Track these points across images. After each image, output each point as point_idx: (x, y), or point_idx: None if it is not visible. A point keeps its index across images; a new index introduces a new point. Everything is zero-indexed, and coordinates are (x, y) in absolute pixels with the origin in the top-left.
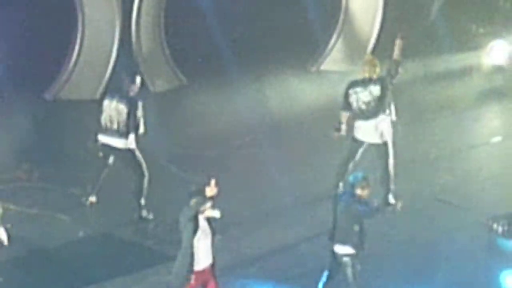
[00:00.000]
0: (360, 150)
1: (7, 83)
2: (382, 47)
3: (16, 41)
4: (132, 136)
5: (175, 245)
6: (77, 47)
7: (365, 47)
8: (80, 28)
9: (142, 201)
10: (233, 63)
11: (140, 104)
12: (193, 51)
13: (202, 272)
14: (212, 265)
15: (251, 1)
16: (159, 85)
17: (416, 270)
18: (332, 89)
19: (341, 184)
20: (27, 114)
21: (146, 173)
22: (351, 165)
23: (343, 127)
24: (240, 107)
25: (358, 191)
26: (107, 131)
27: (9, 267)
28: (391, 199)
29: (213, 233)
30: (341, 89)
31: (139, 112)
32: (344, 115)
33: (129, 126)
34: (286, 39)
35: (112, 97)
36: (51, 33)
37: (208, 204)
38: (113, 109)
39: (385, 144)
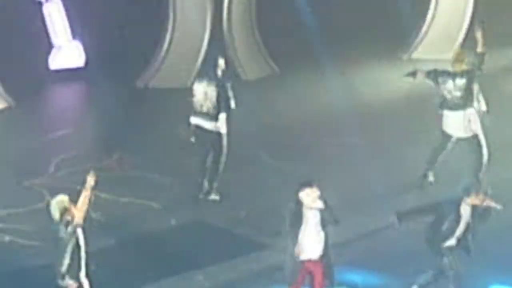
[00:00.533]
0: (450, 144)
1: (99, 71)
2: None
3: (109, 29)
4: (222, 118)
5: (266, 234)
6: (168, 35)
7: (457, 36)
8: (171, 17)
9: (215, 184)
10: (324, 52)
11: (228, 85)
12: (285, 40)
13: (308, 262)
14: (322, 257)
15: None
16: (251, 74)
17: None
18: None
19: (430, 173)
20: (119, 102)
21: (224, 159)
22: (441, 157)
23: (419, 74)
24: (331, 95)
25: (471, 199)
26: (198, 113)
27: (101, 256)
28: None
29: (324, 225)
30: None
31: (229, 93)
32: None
33: (219, 108)
34: (377, 28)
35: (202, 80)
36: (143, 21)
37: (314, 196)
38: (202, 92)
39: (475, 137)
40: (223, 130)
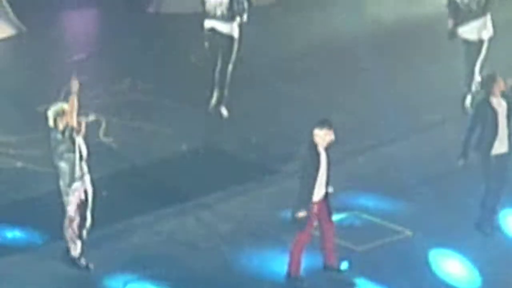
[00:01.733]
0: (477, 49)
1: None
2: None
3: None
4: (236, 21)
5: (278, 159)
6: None
7: None
8: None
9: (226, 92)
10: None
11: None
12: None
13: (318, 203)
14: (326, 196)
15: None
16: None
17: None
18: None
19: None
20: (131, 28)
21: (231, 68)
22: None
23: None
24: (343, 18)
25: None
26: (212, 17)
27: (112, 181)
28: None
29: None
30: None
31: None
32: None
33: (232, 11)
34: None
35: None
36: None
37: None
38: None
39: (481, 42)
40: (236, 34)
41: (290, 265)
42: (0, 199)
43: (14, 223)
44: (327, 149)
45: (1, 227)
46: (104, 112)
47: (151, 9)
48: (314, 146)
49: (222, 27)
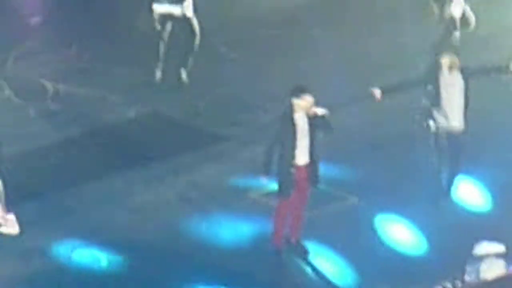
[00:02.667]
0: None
1: None
2: None
3: None
4: (189, 1)
5: (225, 125)
6: None
7: None
8: None
9: (183, 71)
10: None
11: None
12: None
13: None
14: (309, 165)
15: None
16: None
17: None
18: None
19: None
20: None
21: (197, 42)
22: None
23: None
24: None
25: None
26: (162, 0)
27: (60, 148)
28: None
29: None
30: None
31: None
32: None
33: None
34: None
35: None
36: None
37: (309, 102)
38: None
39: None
40: (190, 13)
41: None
42: None
43: None
44: (309, 116)
45: None
46: (51, 79)
47: None
48: (289, 114)
49: (174, 9)
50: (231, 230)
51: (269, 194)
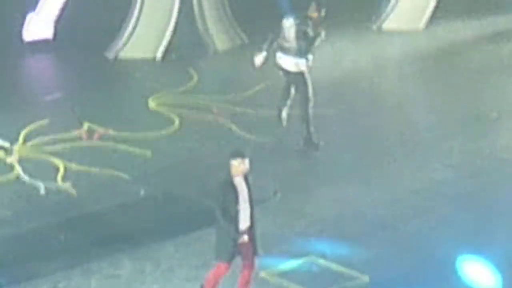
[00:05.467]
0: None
1: (69, 42)
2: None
3: (77, 1)
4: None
5: None
6: (138, 6)
7: (426, 6)
8: None
9: (312, 128)
10: None
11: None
12: (254, 10)
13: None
14: (250, 228)
15: None
16: (220, 44)
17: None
18: (392, 49)
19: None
20: (89, 73)
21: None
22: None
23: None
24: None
25: None
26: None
27: (70, 226)
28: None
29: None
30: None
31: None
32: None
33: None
34: None
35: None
36: None
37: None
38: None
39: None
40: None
41: None
42: None
43: None
44: (246, 178)
45: None
46: (62, 157)
47: (109, 54)
48: (229, 178)
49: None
50: None
51: (281, 273)
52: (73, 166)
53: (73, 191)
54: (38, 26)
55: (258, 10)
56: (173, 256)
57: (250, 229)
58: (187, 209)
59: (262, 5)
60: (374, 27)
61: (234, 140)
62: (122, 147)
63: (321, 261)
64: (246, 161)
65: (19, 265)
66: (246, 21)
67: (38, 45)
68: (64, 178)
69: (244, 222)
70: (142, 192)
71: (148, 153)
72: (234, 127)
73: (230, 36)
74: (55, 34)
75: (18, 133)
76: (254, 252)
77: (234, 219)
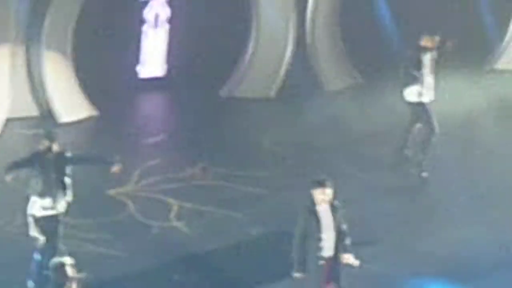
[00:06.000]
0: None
1: (183, 81)
2: None
3: (192, 38)
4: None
5: None
6: (252, 45)
7: None
8: (255, 26)
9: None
10: None
11: None
12: (369, 49)
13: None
14: (331, 258)
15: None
16: (334, 84)
17: None
18: (505, 89)
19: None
20: (203, 111)
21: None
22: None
23: None
24: None
25: None
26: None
27: (184, 265)
28: None
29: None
30: None
31: None
32: None
33: None
34: (460, 37)
35: None
36: (227, 30)
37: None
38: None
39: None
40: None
41: None
42: None
43: None
44: (333, 206)
45: None
46: (176, 196)
47: (223, 93)
48: (312, 205)
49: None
50: None
51: None
52: (187, 205)
53: (186, 230)
54: (151, 63)
55: (373, 49)
56: None
57: (334, 259)
58: None
59: (376, 44)
60: (487, 67)
61: (350, 179)
62: (235, 186)
63: None
64: (327, 190)
65: None
66: (360, 59)
67: (152, 83)
68: (177, 217)
69: (327, 251)
70: (254, 232)
71: (264, 191)
72: (348, 168)
73: (343, 75)
74: (169, 71)
75: (130, 174)
76: (336, 281)
77: (316, 246)
